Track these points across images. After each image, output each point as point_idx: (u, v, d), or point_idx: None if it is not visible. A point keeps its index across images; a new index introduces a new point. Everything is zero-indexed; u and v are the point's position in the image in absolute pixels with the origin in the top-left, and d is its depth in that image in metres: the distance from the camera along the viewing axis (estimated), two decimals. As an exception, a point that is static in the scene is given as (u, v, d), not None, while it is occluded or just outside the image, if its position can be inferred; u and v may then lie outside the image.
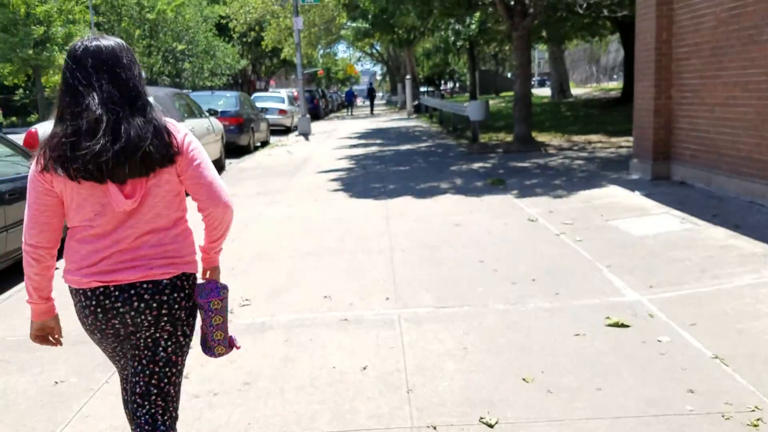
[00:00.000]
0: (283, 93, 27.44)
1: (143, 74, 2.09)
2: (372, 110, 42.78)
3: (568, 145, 13.31)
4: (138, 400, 2.02)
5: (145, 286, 1.94)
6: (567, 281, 4.64)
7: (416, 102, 32.23)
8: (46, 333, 2.07)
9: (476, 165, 11.18)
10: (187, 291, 2.01)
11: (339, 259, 5.52)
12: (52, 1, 33.37)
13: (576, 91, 35.14)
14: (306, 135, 20.18)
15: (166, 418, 2.04)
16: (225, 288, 2.11)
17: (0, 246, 5.23)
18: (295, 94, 26.74)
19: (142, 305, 1.94)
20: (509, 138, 15.40)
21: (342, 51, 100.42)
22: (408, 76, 33.09)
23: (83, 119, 1.83)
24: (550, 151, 12.64)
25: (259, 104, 24.32)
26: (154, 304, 1.95)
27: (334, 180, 10.29)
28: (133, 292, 1.93)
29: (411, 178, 9.96)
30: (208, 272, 2.15)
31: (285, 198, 8.75)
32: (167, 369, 2.03)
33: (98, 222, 1.92)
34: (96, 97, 1.84)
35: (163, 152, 1.89)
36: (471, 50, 20.60)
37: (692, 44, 7.17)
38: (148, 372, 2.02)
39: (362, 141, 17.54)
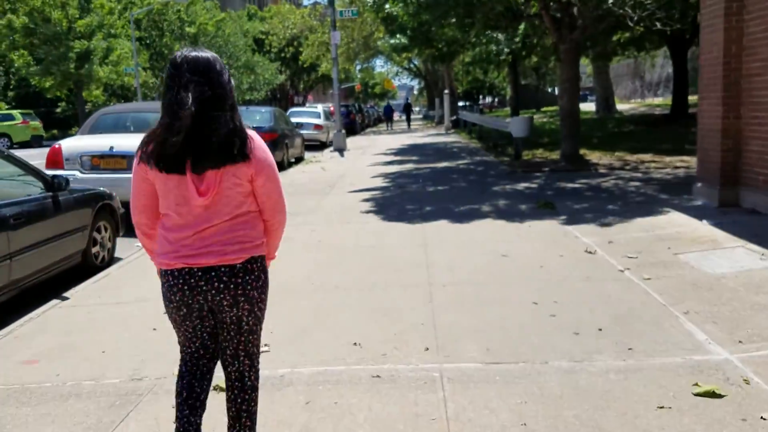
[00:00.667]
0: (320, 108, 27.12)
1: (233, 83, 2.33)
2: (409, 125, 42.37)
3: (619, 165, 12.48)
4: (228, 360, 2.46)
5: (222, 269, 2.28)
6: (640, 332, 3.93)
7: (454, 117, 31.60)
8: None
9: (521, 185, 10.48)
10: (257, 273, 2.36)
11: (371, 295, 4.91)
12: (93, 14, 33.85)
13: (621, 106, 33.99)
14: (341, 151, 19.73)
15: (251, 373, 2.49)
16: None
17: (4, 275, 4.78)
18: (332, 108, 26.39)
19: (222, 286, 2.29)
20: (555, 156, 14.63)
21: (379, 65, 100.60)
22: (446, 91, 32.52)
23: (177, 115, 2.15)
24: (601, 170, 11.84)
25: (294, 119, 24.08)
26: (231, 286, 2.30)
27: (368, 200, 9.72)
28: (213, 273, 2.28)
29: (449, 200, 9.32)
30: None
31: (315, 220, 8.20)
32: (251, 337, 2.45)
33: (180, 211, 2.27)
34: (190, 97, 2.14)
35: (238, 149, 2.20)
36: (513, 64, 19.90)
37: (766, 58, 6.40)
38: (236, 341, 2.42)
39: (398, 158, 16.97)
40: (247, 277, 2.33)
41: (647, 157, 13.46)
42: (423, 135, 28.47)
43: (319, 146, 22.96)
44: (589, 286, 4.87)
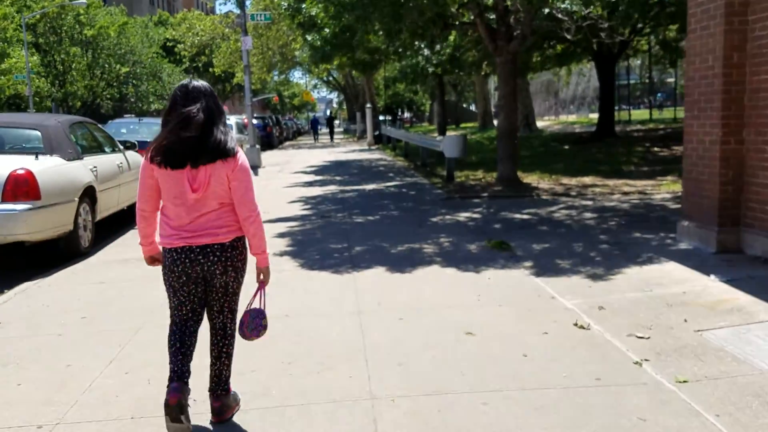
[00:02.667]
0: (232, 120, 24.90)
1: (218, 100, 3.00)
2: (332, 138, 41.31)
3: (561, 189, 11.29)
4: (215, 314, 3.14)
5: (216, 246, 2.96)
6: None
7: (377, 132, 30.20)
8: (154, 260, 3.18)
9: (462, 215, 8.99)
10: (240, 249, 3.04)
11: (282, 424, 3.16)
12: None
13: (538, 124, 33.69)
14: (255, 168, 17.74)
15: (232, 324, 3.19)
16: (263, 317, 3.23)
17: None
18: (245, 121, 24.29)
19: (215, 258, 2.97)
20: (489, 177, 13.36)
21: (298, 77, 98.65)
22: (368, 105, 31.12)
23: (189, 122, 2.83)
24: (544, 196, 10.58)
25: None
26: (223, 258, 2.98)
27: (283, 235, 7.92)
28: (208, 249, 2.95)
29: (383, 235, 7.67)
30: (261, 274, 3.14)
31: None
32: (234, 297, 3.15)
33: (177, 203, 2.93)
34: (198, 108, 2.87)
35: (227, 151, 2.89)
36: (440, 79, 18.68)
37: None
38: (222, 300, 3.10)
39: (320, 177, 15.21)
40: (234, 252, 3.01)
41: (588, 180, 12.39)
42: (346, 150, 26.83)
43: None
44: (605, 398, 3.31)
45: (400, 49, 15.77)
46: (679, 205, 9.05)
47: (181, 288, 3.02)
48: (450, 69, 16.83)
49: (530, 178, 12.79)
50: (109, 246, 7.75)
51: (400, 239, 7.40)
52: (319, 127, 44.49)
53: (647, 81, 41.04)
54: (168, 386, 2.92)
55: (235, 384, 3.38)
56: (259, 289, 3.14)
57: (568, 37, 13.60)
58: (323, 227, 8.45)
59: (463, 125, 46.94)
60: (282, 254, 6.87)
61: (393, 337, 4.20)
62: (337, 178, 14.89)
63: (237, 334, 3.19)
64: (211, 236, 2.91)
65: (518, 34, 11.61)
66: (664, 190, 10.74)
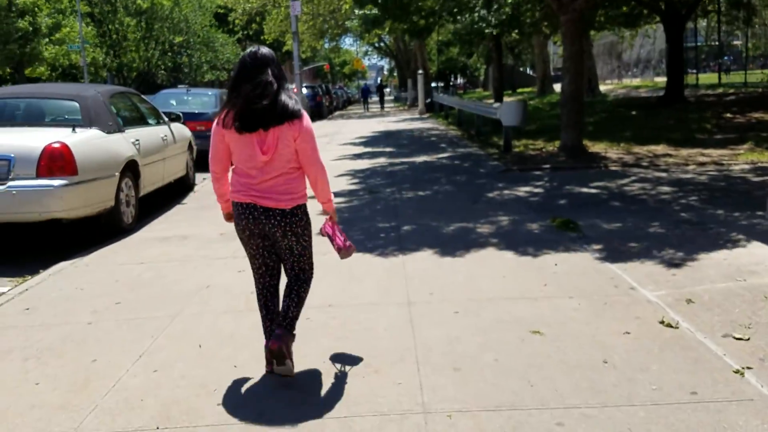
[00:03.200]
0: (288, 87, 24.55)
1: (281, 68, 3.18)
2: (382, 107, 40.93)
3: (630, 159, 10.45)
4: (288, 269, 3.36)
5: (277, 211, 3.14)
6: None
7: (429, 100, 29.38)
8: (230, 216, 3.37)
9: (521, 190, 8.36)
10: (300, 215, 3.21)
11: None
12: (36, -12, 30.51)
13: (601, 88, 32.09)
14: (304, 139, 17.39)
15: (304, 275, 3.38)
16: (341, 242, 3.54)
17: None
18: (294, 89, 23.93)
19: (275, 222, 3.15)
20: (550, 146, 12.57)
21: (348, 44, 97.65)
22: (420, 71, 30.24)
23: (262, 89, 3.00)
24: (612, 167, 9.80)
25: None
26: (282, 224, 3.16)
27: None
28: (270, 213, 3.14)
29: (434, 213, 7.14)
30: (330, 216, 3.53)
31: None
32: (301, 258, 3.32)
33: (248, 165, 3.11)
34: (268, 76, 3.03)
35: (293, 113, 3.05)
36: (497, 40, 17.71)
37: None
38: (291, 260, 3.31)
39: (369, 149, 14.72)
40: (294, 218, 3.19)
41: (659, 149, 11.48)
42: (396, 119, 26.20)
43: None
44: (704, 417, 2.75)
45: (455, 9, 14.96)
46: (764, 178, 8.19)
47: (248, 241, 3.28)
48: (509, 30, 15.88)
49: (597, 147, 11.95)
50: (154, 222, 7.50)
51: (452, 217, 6.85)
52: (369, 96, 44.02)
53: (715, 43, 38.52)
54: (269, 337, 3.27)
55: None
56: (331, 227, 3.53)
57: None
58: (370, 203, 7.98)
59: (520, 90, 45.40)
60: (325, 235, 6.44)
61: (447, 335, 3.72)
62: (387, 149, 14.36)
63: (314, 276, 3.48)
64: (274, 201, 3.10)
65: (584, -9, 10.70)
66: (743, 160, 9.79)
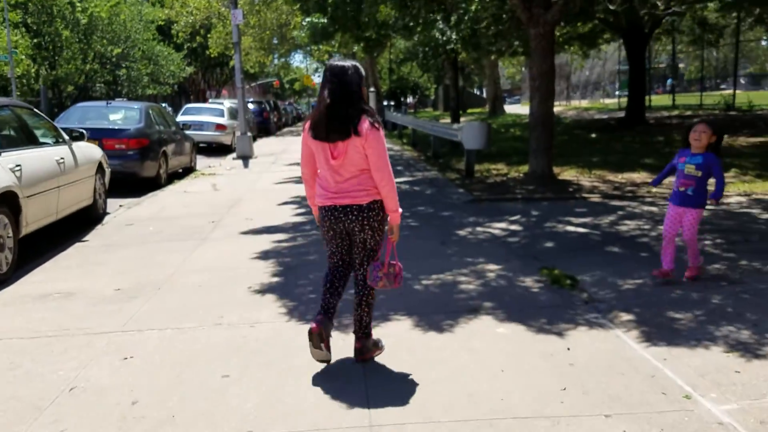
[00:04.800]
0: (225, 104, 22.93)
1: (362, 81, 3.31)
2: None
3: (608, 189, 9.35)
4: (357, 265, 3.54)
5: (354, 207, 3.34)
6: None
7: (381, 118, 28.15)
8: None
9: (496, 226, 7.06)
10: (376, 210, 3.36)
11: None
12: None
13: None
14: (246, 159, 15.82)
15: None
16: (380, 269, 3.47)
17: None
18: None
19: (353, 217, 3.36)
20: (514, 172, 11.44)
21: (299, 60, 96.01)
22: (372, 89, 29.03)
23: (322, 103, 3.28)
24: (592, 198, 8.65)
25: (191, 118, 19.90)
26: (360, 218, 3.36)
27: (265, 256, 6.02)
28: (348, 209, 3.35)
29: (400, 257, 5.77)
30: (391, 230, 3.46)
31: (151, 316, 4.44)
32: (372, 252, 3.50)
33: (324, 169, 3.37)
34: (328, 91, 3.26)
35: (354, 129, 3.22)
36: (455, 59, 16.58)
37: None
38: (362, 254, 3.49)
39: (317, 170, 13.26)
40: (370, 213, 3.36)
41: (637, 176, 10.46)
42: (346, 138, 24.79)
43: (224, 150, 18.87)
44: None
45: (411, 23, 13.75)
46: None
47: (330, 240, 3.55)
48: (469, 47, 14.79)
49: (566, 174, 10.85)
50: (38, 270, 5.85)
51: (423, 265, 5.48)
52: None
53: (661, 65, 38.78)
54: (315, 316, 3.48)
55: None
56: (387, 243, 3.45)
57: (611, 7, 11.61)
58: (317, 243, 6.53)
59: (470, 111, 44.88)
60: (261, 291, 4.97)
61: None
62: (339, 171, 12.93)
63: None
64: (351, 198, 3.32)
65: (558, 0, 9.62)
66: (734, 191, 8.81)
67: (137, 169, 10.79)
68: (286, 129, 36.52)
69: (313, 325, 3.38)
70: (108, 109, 11.61)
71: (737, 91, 24.99)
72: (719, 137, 4.63)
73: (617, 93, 39.65)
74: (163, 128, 12.19)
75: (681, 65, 44.77)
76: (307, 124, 3.36)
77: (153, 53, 43.00)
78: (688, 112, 25.77)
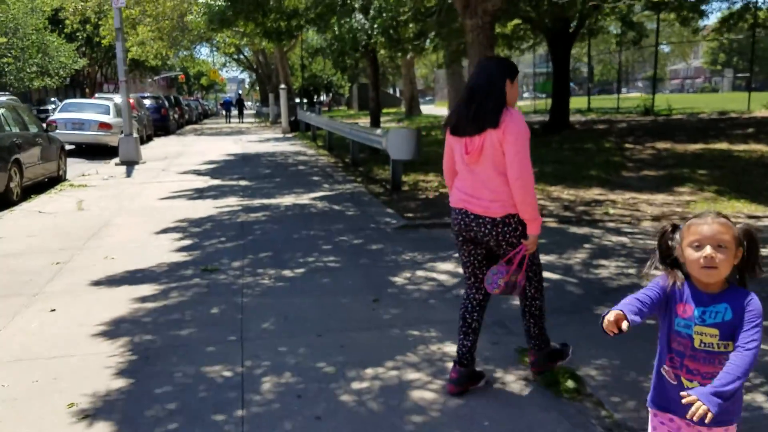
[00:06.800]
0: (114, 100, 20.09)
1: (504, 76, 3.01)
2: (241, 118, 39.71)
3: (558, 209, 7.95)
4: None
5: (487, 219, 2.98)
6: None
7: (293, 118, 26.13)
8: None
9: (441, 267, 5.41)
10: (513, 225, 2.97)
11: None
12: None
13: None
14: (130, 165, 13.43)
15: (530, 287, 3.21)
16: (502, 276, 3.03)
17: None
18: (132, 102, 19.49)
19: (486, 231, 3.00)
20: (444, 185, 9.87)
21: (205, 54, 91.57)
22: (282, 86, 26.90)
23: (463, 94, 3.07)
24: (546, 222, 7.19)
25: (71, 115, 17.16)
26: (494, 233, 2.99)
27: (113, 331, 4.05)
28: (480, 221, 3.00)
29: (313, 329, 3.99)
30: (531, 239, 3.01)
31: None
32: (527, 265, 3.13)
33: (460, 165, 3.09)
34: (470, 82, 3.08)
35: (491, 122, 2.91)
36: (374, 55, 14.91)
37: None
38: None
39: (216, 181, 11.19)
40: (506, 228, 2.97)
41: (587, 194, 9.11)
42: (257, 138, 22.64)
43: (108, 153, 16.27)
44: None
45: (325, 13, 11.93)
46: None
47: (461, 247, 3.21)
48: (390, 43, 13.14)
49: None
50: None
51: (351, 345, 3.74)
52: (230, 109, 41.51)
53: (589, 65, 38.84)
54: (451, 372, 3.20)
55: None
56: (518, 251, 3.03)
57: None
58: (198, 302, 4.63)
59: (385, 111, 43.47)
60: (88, 414, 3.04)
61: None
62: (242, 183, 10.93)
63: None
64: (483, 208, 2.98)
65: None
66: (699, 210, 7.62)
67: (-25, 183, 8.38)
68: (189, 127, 33.67)
69: (449, 386, 3.17)
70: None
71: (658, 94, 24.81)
72: (753, 248, 1.94)
73: (535, 95, 39.41)
74: (17, 130, 9.76)
75: (584, 69, 45.41)
76: (446, 119, 3.22)
77: (42, 43, 39.01)
78: (605, 116, 25.47)
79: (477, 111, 2.94)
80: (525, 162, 2.89)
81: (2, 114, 9.41)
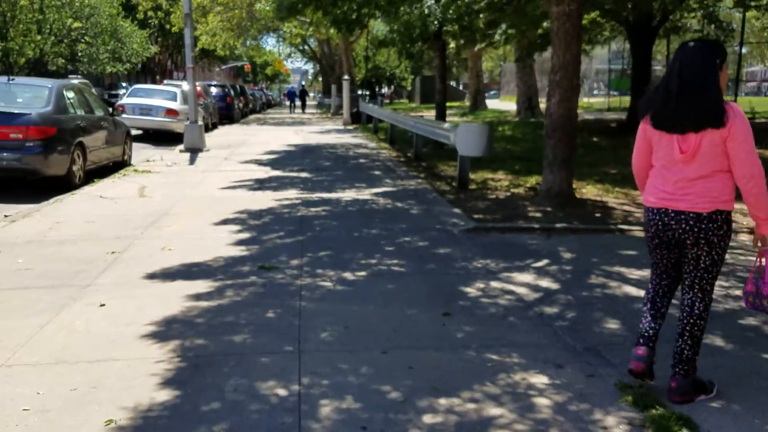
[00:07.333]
0: (184, 86, 20.23)
1: (716, 63, 2.77)
2: (303, 109, 40.40)
3: (641, 215, 7.25)
4: (686, 288, 3.00)
5: (690, 215, 2.81)
6: None
7: (355, 109, 25.85)
8: None
9: (518, 279, 4.89)
10: (719, 223, 2.80)
11: None
12: None
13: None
14: (194, 152, 13.38)
15: (701, 304, 2.96)
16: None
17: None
18: (198, 89, 19.58)
19: (687, 227, 2.83)
20: (517, 184, 9.35)
21: (271, 45, 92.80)
22: (345, 77, 26.68)
23: (671, 84, 2.80)
24: (632, 231, 6.53)
25: (138, 101, 17.35)
26: (695, 229, 2.81)
27: (164, 332, 3.73)
28: (682, 217, 2.83)
29: (377, 344, 3.58)
30: (760, 241, 2.91)
31: None
32: (705, 274, 2.92)
33: (664, 164, 2.87)
34: (678, 70, 2.78)
35: (713, 118, 2.71)
36: (442, 44, 14.35)
37: None
38: (693, 275, 2.94)
39: (276, 172, 10.93)
40: (711, 225, 2.79)
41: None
42: (318, 129, 22.47)
43: (174, 139, 16.30)
44: None
45: (396, 0, 11.48)
46: None
47: (654, 249, 3.06)
48: (462, 29, 12.55)
49: (586, 192, 8.77)
50: None
51: (417, 367, 3.30)
52: (294, 100, 41.97)
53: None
54: (634, 349, 3.02)
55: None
56: (760, 255, 2.95)
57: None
58: (254, 304, 4.27)
59: (448, 104, 42.74)
60: (125, 428, 2.70)
61: None
62: (302, 174, 10.62)
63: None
64: (688, 203, 2.81)
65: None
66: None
67: (39, 165, 8.35)
68: (252, 116, 33.94)
69: (632, 365, 2.99)
70: (9, 88, 9.09)
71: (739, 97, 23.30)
72: None
73: (609, 92, 37.87)
74: (82, 113, 9.73)
75: (658, 67, 43.39)
76: (646, 111, 2.92)
77: (115, 29, 40.19)
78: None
79: (694, 107, 2.73)
80: (756, 160, 2.76)
81: (68, 97, 9.37)
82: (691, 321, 2.97)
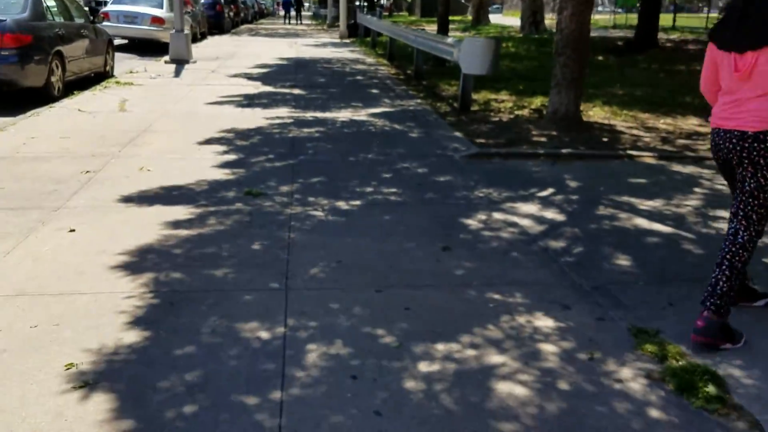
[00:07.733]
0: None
1: None
2: (299, 19, 38.79)
3: (654, 140, 6.89)
4: (732, 215, 2.81)
5: (735, 133, 2.69)
6: None
7: (351, 21, 24.70)
8: None
9: (522, 209, 4.57)
10: (766, 144, 2.61)
11: None
12: None
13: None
14: (180, 64, 12.70)
15: (745, 233, 2.75)
16: None
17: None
18: (186, -4, 18.43)
19: (730, 146, 2.72)
20: (521, 105, 8.89)
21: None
22: (343, -14, 25.30)
23: (729, 9, 2.73)
24: (642, 157, 6.18)
25: (122, 8, 16.39)
26: (738, 148, 2.69)
27: (136, 263, 3.42)
28: (728, 135, 2.72)
29: (371, 275, 3.29)
30: None
31: None
32: (750, 200, 2.73)
33: (723, 83, 2.76)
34: None
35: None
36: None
37: None
38: (738, 199, 2.78)
39: (267, 87, 10.36)
40: (756, 144, 2.63)
41: (683, 123, 7.98)
42: (312, 42, 21.49)
43: (160, 50, 15.50)
44: None
45: None
46: None
47: (721, 173, 3.00)
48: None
49: (594, 114, 8.33)
50: None
51: (415, 306, 3.02)
52: (290, 9, 40.10)
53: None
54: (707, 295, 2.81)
55: None
56: None
57: None
58: (238, 234, 3.95)
59: (451, 18, 41.06)
60: (84, 381, 2.43)
61: None
62: (294, 91, 10.07)
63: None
64: (736, 121, 2.70)
65: None
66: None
67: (15, 75, 7.81)
68: (244, 26, 32.51)
69: (693, 334, 2.76)
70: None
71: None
72: None
73: (614, 9, 36.39)
74: (61, 20, 9.06)
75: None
76: (713, 32, 2.81)
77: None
78: (691, 36, 23.16)
79: (755, 25, 2.60)
80: None
81: (46, 3, 8.67)
82: (733, 250, 2.77)
